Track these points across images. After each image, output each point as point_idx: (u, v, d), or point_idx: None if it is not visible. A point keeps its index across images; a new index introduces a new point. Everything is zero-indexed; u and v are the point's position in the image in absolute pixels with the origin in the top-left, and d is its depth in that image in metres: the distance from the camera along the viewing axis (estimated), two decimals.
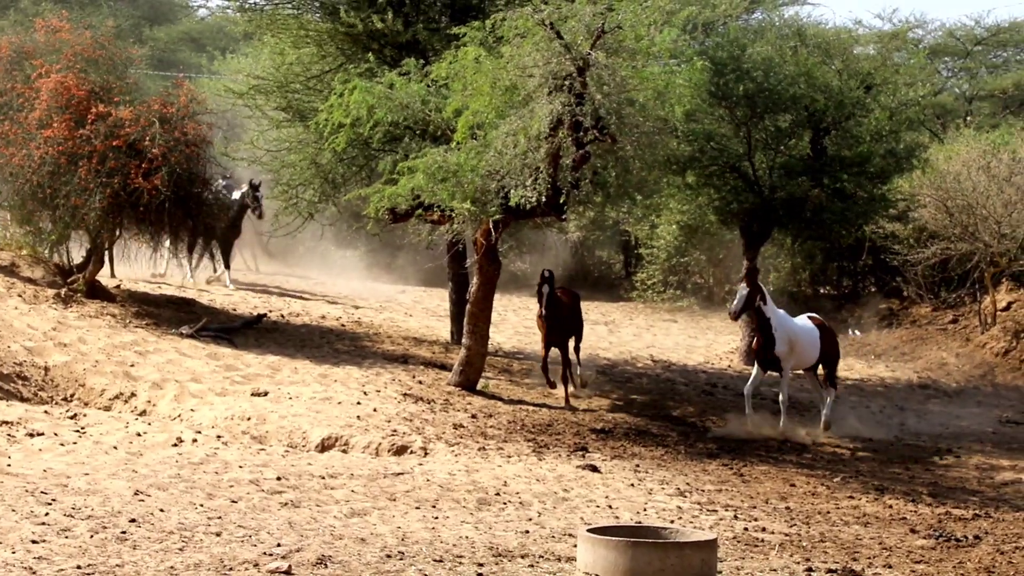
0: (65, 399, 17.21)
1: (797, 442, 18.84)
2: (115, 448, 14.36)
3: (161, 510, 11.68)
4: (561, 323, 19.79)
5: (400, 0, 21.02)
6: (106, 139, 20.33)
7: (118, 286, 23.21)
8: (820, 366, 20.16)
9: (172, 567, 9.93)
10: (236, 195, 27.79)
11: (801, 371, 20.60)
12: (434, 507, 12.89)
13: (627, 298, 35.80)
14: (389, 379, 19.22)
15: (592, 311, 30.72)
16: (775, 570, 11.25)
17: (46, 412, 15.77)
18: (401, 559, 10.66)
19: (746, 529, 12.97)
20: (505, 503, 13.36)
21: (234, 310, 23.68)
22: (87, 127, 20.45)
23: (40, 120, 20.68)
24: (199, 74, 43.21)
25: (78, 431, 15.00)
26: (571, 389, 19.81)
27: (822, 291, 35.18)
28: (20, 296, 20.56)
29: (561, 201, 17.57)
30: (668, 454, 17.03)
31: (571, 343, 20.30)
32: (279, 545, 10.82)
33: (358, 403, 17.49)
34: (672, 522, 12.82)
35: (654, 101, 18.28)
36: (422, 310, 28.44)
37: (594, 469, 15.41)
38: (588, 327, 23.64)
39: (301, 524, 11.67)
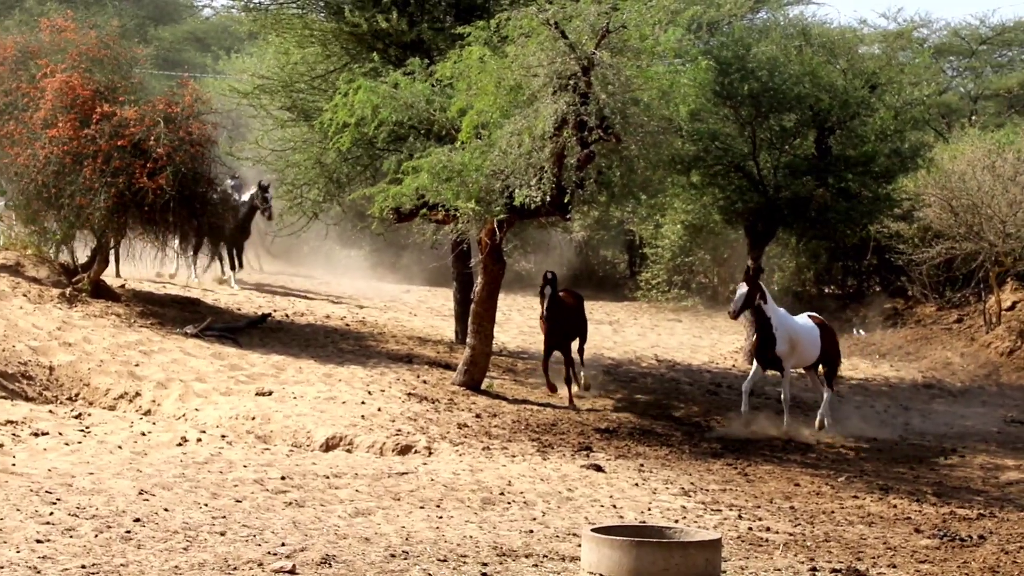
0: (70, 398, 17.23)
1: (801, 442, 18.83)
2: (119, 447, 14.37)
3: (165, 509, 11.69)
4: (564, 325, 19.76)
5: (404, 0, 21.02)
6: (111, 139, 20.34)
7: (123, 286, 23.22)
8: (821, 365, 20.13)
9: (176, 566, 9.94)
10: (246, 196, 27.83)
11: (802, 370, 20.59)
12: (438, 507, 12.89)
13: (631, 298, 35.79)
14: (393, 379, 19.22)
15: (596, 311, 30.72)
16: (779, 570, 11.24)
17: (51, 411, 15.79)
18: (405, 559, 10.66)
19: (750, 529, 12.96)
20: (509, 503, 13.36)
21: (239, 310, 23.70)
22: (92, 127, 20.45)
23: (45, 120, 20.70)
24: (204, 74, 43.24)
25: (83, 430, 15.01)
26: (575, 389, 19.80)
27: (827, 290, 35.16)
28: (25, 296, 20.58)
29: (565, 201, 17.56)
30: (672, 454, 17.02)
31: (574, 344, 20.28)
32: (283, 544, 10.82)
33: (362, 403, 17.49)
34: (676, 522, 12.81)
35: (659, 100, 18.26)
36: (426, 310, 28.45)
37: (598, 469, 15.40)
38: (592, 327, 23.63)
39: (305, 523, 11.68)
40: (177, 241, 23.11)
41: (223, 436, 15.61)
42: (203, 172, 21.40)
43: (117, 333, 19.60)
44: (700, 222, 30.39)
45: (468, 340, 19.75)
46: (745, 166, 24.89)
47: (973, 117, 40.43)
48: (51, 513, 11.15)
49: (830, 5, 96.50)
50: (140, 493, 12.21)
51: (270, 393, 17.64)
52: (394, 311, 27.29)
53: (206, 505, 12.02)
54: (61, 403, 16.88)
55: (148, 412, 16.91)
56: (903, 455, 18.42)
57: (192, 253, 27.07)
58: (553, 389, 19.55)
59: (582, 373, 20.20)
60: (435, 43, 20.56)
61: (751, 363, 19.62)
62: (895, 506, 14.81)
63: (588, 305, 22.03)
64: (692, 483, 15.21)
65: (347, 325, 23.91)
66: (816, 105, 24.51)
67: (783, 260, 33.86)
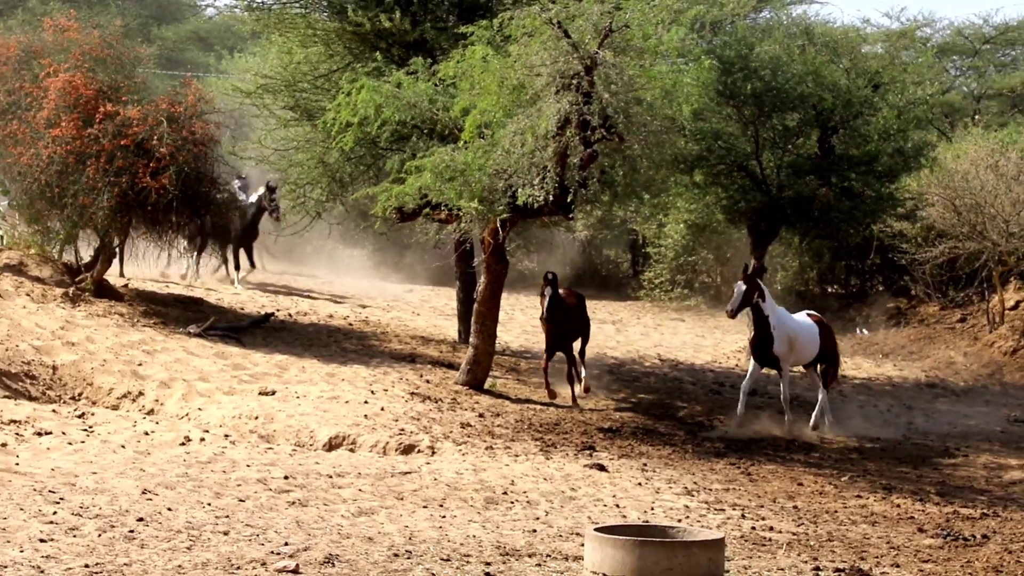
0: (73, 398, 17.24)
1: (804, 441, 18.82)
2: (123, 447, 14.38)
3: (169, 509, 11.69)
4: (565, 326, 19.71)
5: (407, 0, 21.05)
6: (114, 138, 20.35)
7: (126, 285, 23.25)
8: (821, 364, 20.09)
9: (180, 566, 9.94)
10: (253, 197, 27.87)
11: (802, 369, 20.57)
12: (441, 506, 12.89)
13: (634, 297, 35.79)
14: (396, 378, 19.23)
15: (599, 310, 30.72)
16: (782, 569, 11.24)
17: (54, 411, 15.79)
18: (408, 558, 10.66)
19: (753, 528, 12.96)
20: (512, 502, 13.36)
21: (242, 309, 23.71)
22: (95, 126, 20.47)
23: (48, 119, 20.71)
24: (207, 73, 43.27)
25: (86, 430, 15.02)
26: (577, 390, 19.78)
27: (830, 290, 35.16)
28: (28, 295, 20.60)
29: (568, 200, 17.56)
30: (675, 453, 17.02)
31: (576, 344, 20.24)
32: (287, 544, 10.82)
33: (365, 402, 17.49)
34: (679, 521, 12.81)
35: (662, 100, 18.26)
36: (429, 309, 28.45)
37: (601, 468, 15.40)
38: (595, 326, 23.61)
39: (308, 523, 11.68)
40: (185, 242, 23.16)
41: (226, 436, 15.61)
42: (206, 172, 21.42)
43: (120, 332, 19.61)
44: (703, 221, 30.44)
45: (471, 339, 19.75)
46: (748, 165, 24.89)
47: (976, 116, 40.42)
48: (54, 512, 11.16)
49: (833, 4, 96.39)
50: (143, 492, 12.21)
51: (273, 393, 17.64)
52: (397, 310, 27.29)
53: (209, 504, 12.02)
54: (64, 403, 16.89)
55: (151, 412, 16.92)
56: (906, 455, 18.41)
57: (196, 253, 27.18)
58: (553, 396, 19.39)
59: (583, 375, 20.14)
60: (438, 42, 20.57)
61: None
62: (898, 505, 14.80)
63: (591, 305, 22.02)
64: (695, 482, 15.20)
65: (350, 324, 23.91)
66: (819, 104, 24.51)
67: (786, 259, 33.86)
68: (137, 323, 20.37)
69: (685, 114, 19.50)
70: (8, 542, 10.20)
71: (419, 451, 15.80)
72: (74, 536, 10.54)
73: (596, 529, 10.74)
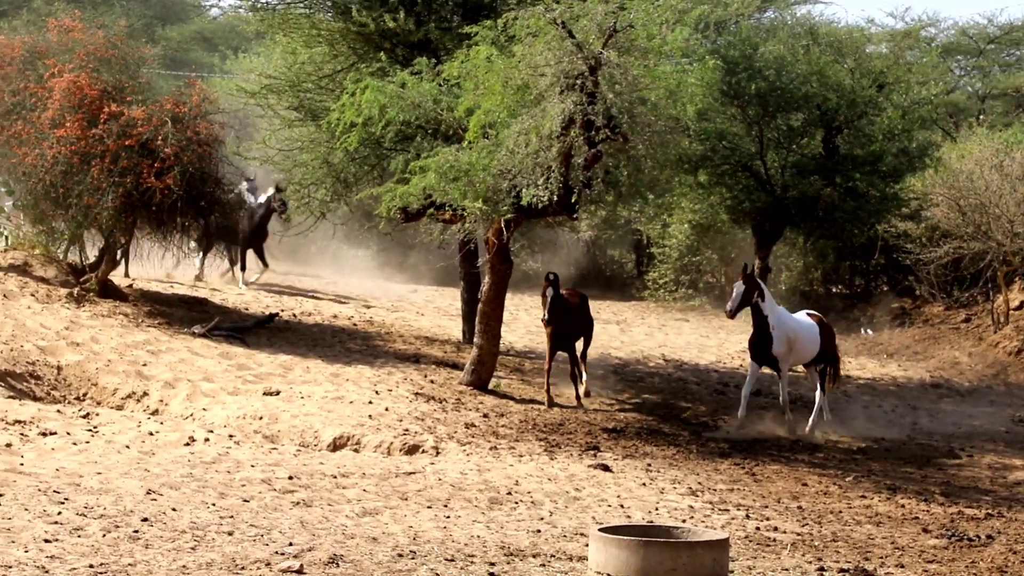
0: (78, 398, 17.26)
1: (809, 441, 18.81)
2: (127, 447, 14.38)
3: (173, 509, 11.70)
4: (567, 326, 19.66)
5: (412, 0, 21.03)
6: (118, 138, 20.37)
7: (130, 286, 23.26)
8: (821, 364, 20.02)
9: (184, 566, 9.95)
10: (262, 198, 27.91)
11: (802, 369, 20.55)
12: (446, 506, 12.89)
13: (639, 297, 35.79)
14: (401, 378, 19.23)
15: (604, 310, 30.72)
16: (787, 569, 11.23)
17: (59, 411, 15.80)
18: (413, 558, 10.66)
19: (758, 528, 12.95)
20: (517, 502, 13.36)
21: (246, 309, 23.72)
22: (100, 127, 20.49)
23: (53, 120, 20.73)
24: (211, 73, 43.29)
25: (90, 430, 15.02)
26: (581, 389, 19.75)
27: (834, 290, 35.16)
28: (33, 295, 20.62)
29: (573, 200, 17.55)
30: (680, 453, 17.01)
31: (579, 344, 20.20)
32: (291, 544, 10.83)
33: (370, 402, 17.50)
34: (684, 521, 12.81)
35: (666, 100, 18.25)
36: (434, 309, 28.45)
37: (606, 468, 15.40)
38: (599, 326, 23.61)
39: (313, 523, 11.68)
40: (193, 242, 23.18)
41: (231, 436, 15.62)
42: (211, 172, 21.44)
43: (125, 333, 19.62)
44: (707, 221, 30.45)
45: (475, 340, 19.75)
46: (752, 165, 24.90)
47: (981, 116, 40.38)
48: (59, 513, 11.17)
49: (837, 4, 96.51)
50: (148, 493, 12.22)
51: (277, 393, 17.65)
52: (402, 311, 27.30)
53: (214, 505, 12.02)
54: (69, 403, 16.90)
55: (156, 412, 16.93)
56: (911, 455, 18.39)
57: (203, 253, 27.20)
58: (552, 404, 19.25)
59: (584, 377, 20.03)
60: (442, 43, 20.57)
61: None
62: (903, 506, 14.80)
63: (595, 305, 22.00)
64: (699, 483, 15.20)
65: (354, 325, 23.92)
66: (823, 104, 24.52)
67: (791, 259, 33.86)
68: (142, 323, 20.39)
69: (689, 114, 19.50)
70: (13, 542, 10.21)
71: (423, 451, 15.80)
72: (79, 536, 10.55)
73: (600, 529, 10.73)
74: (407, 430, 16.38)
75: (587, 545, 10.86)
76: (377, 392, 18.12)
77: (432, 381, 19.37)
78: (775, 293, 29.11)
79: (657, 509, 13.61)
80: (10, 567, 9.55)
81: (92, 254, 23.03)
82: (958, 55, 43.77)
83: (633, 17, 17.20)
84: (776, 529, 13.00)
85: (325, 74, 21.99)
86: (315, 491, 13.02)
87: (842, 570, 11.34)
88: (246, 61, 39.40)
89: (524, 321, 27.72)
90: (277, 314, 22.91)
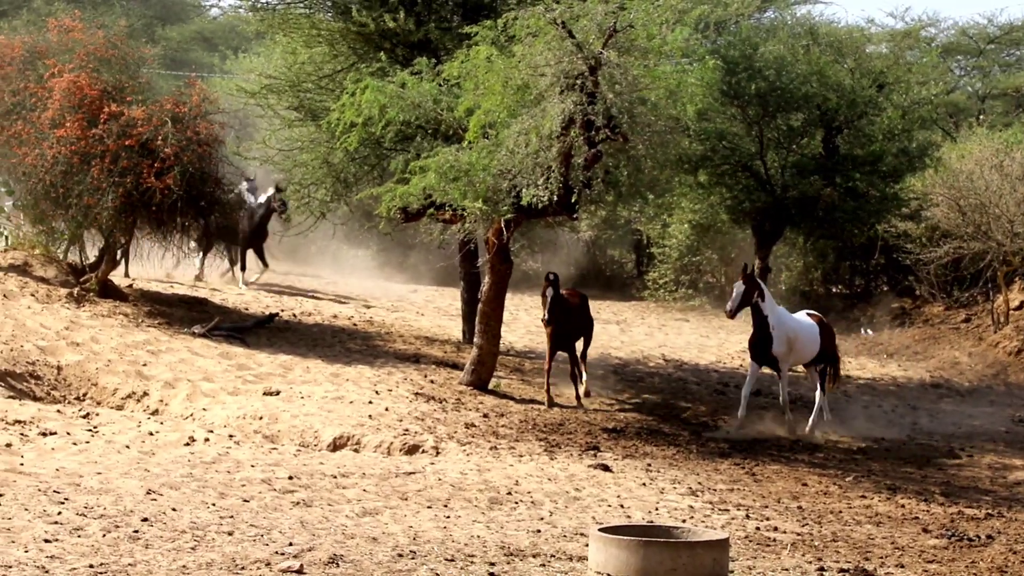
0: (78, 398, 17.26)
1: (809, 442, 18.81)
2: (127, 447, 14.38)
3: (173, 509, 11.70)
4: (567, 326, 19.65)
5: (412, 0, 21.03)
6: (118, 139, 20.37)
7: (130, 286, 23.26)
8: (821, 364, 20.02)
9: (184, 566, 9.95)
10: (263, 198, 27.92)
11: (802, 369, 20.54)
12: (446, 506, 12.89)
13: (639, 297, 35.79)
14: (401, 378, 19.23)
15: (604, 310, 30.72)
16: (787, 569, 11.23)
17: (59, 411, 15.80)
18: (413, 558, 10.66)
19: (758, 528, 12.95)
20: (517, 502, 13.36)
21: (246, 309, 23.72)
22: (100, 127, 20.49)
23: (53, 120, 20.73)
24: (211, 73, 43.29)
25: (90, 430, 15.02)
26: (581, 389, 19.74)
27: (834, 290, 35.17)
28: (33, 295, 20.62)
29: (573, 200, 17.55)
30: (680, 453, 17.02)
31: (579, 344, 20.19)
32: (291, 544, 10.83)
33: (370, 402, 17.50)
34: (684, 521, 12.81)
35: (666, 100, 18.26)
36: (434, 309, 28.45)
37: (606, 468, 15.40)
38: (600, 326, 23.60)
39: (313, 523, 11.68)
40: (194, 243, 23.18)
41: (231, 436, 15.62)
42: (210, 172, 21.44)
43: (125, 333, 19.63)
44: (707, 221, 30.45)
45: (475, 340, 19.75)
46: (752, 165, 24.90)
47: (981, 116, 40.39)
48: (59, 513, 11.17)
49: (837, 4, 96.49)
50: (148, 493, 12.22)
51: (277, 393, 17.65)
52: (402, 311, 27.30)
53: (214, 505, 12.03)
54: (69, 403, 16.90)
55: (156, 412, 16.93)
56: (911, 455, 18.40)
57: (203, 253, 27.20)
58: (551, 404, 19.23)
59: (584, 378, 20.01)
60: (442, 43, 20.57)
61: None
62: (903, 506, 14.80)
63: (595, 305, 21.99)
64: (699, 483, 15.20)
65: (354, 325, 23.92)
66: (823, 104, 24.52)
67: (791, 259, 33.87)
68: (142, 323, 20.39)
69: (689, 114, 19.50)
70: (13, 542, 10.21)
71: (423, 451, 15.80)
72: (79, 536, 10.55)
73: (600, 529, 10.73)
74: (407, 430, 16.38)
75: (587, 545, 10.86)
76: (377, 392, 18.12)
77: (432, 381, 19.38)
78: (775, 293, 29.11)
79: (657, 509, 13.61)
80: (10, 567, 9.56)
81: (92, 254, 23.02)
82: (958, 55, 43.78)
83: (633, 17, 17.20)
84: (776, 529, 13.00)
85: (325, 74, 21.99)
86: (315, 491, 13.02)
87: (842, 570, 11.34)
88: (246, 61, 39.40)
89: (524, 321, 27.72)
90: (277, 314, 22.90)
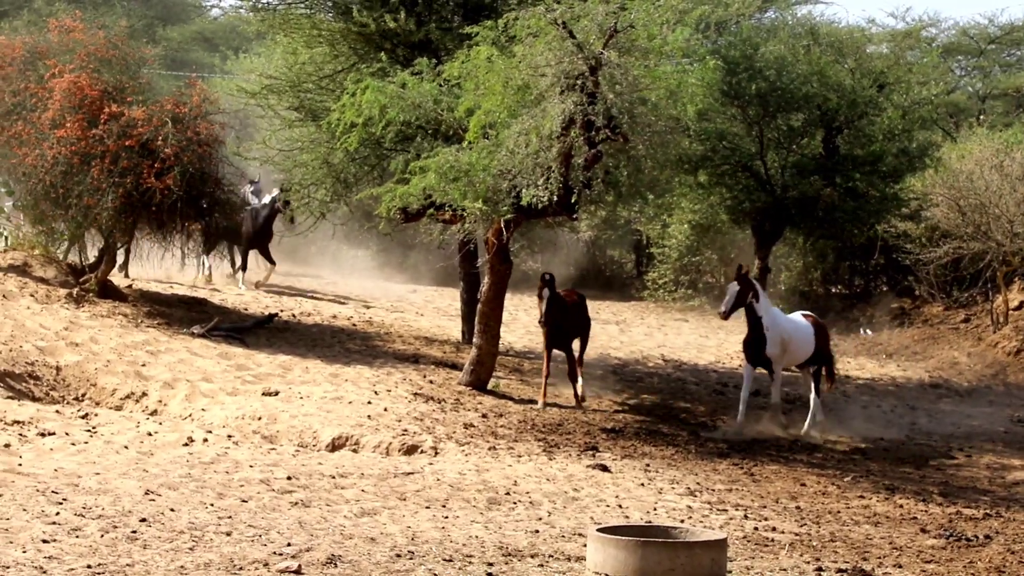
0: (76, 399, 17.26)
1: (807, 442, 18.82)
2: (126, 448, 14.39)
3: (172, 509, 11.71)
4: (563, 327, 19.62)
5: (412, 0, 21.04)
6: (119, 139, 20.38)
7: (130, 286, 23.28)
8: (816, 365, 19.99)
9: (182, 566, 9.95)
10: (266, 199, 27.92)
11: (797, 370, 20.52)
12: (444, 507, 12.90)
13: (638, 297, 35.81)
14: (400, 379, 19.24)
15: (603, 310, 30.73)
16: (785, 570, 11.24)
17: (57, 412, 15.81)
18: (411, 558, 10.67)
19: (756, 529, 12.96)
20: (515, 503, 13.36)
21: (245, 310, 23.73)
22: (100, 127, 20.50)
23: (53, 120, 20.74)
24: (212, 74, 43.31)
25: (89, 431, 15.03)
26: (578, 391, 19.71)
27: (834, 290, 35.18)
28: (32, 296, 20.63)
29: (573, 200, 17.56)
30: (678, 453, 17.02)
31: (576, 344, 20.16)
32: (289, 544, 10.83)
33: (369, 403, 17.50)
34: (682, 521, 12.81)
35: (666, 100, 18.26)
36: (433, 309, 28.47)
37: (604, 469, 15.40)
38: (599, 326, 23.62)
39: (311, 523, 11.69)
40: (200, 245, 23.22)
41: (229, 436, 15.62)
42: (211, 172, 21.45)
43: (124, 333, 19.63)
44: (707, 222, 30.45)
45: (474, 340, 19.75)
46: (752, 166, 24.90)
47: (981, 116, 40.39)
48: (57, 513, 11.17)
49: (838, 4, 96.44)
50: (146, 493, 12.22)
51: (276, 393, 17.66)
52: (401, 311, 27.31)
53: (212, 505, 12.03)
54: (68, 403, 16.91)
55: (154, 412, 16.93)
56: (909, 455, 18.40)
57: (204, 254, 27.23)
58: (545, 405, 19.12)
59: (580, 381, 19.87)
60: (443, 43, 20.58)
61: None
62: (901, 506, 14.80)
63: (595, 305, 22.01)
64: (698, 483, 15.20)
65: (354, 325, 23.93)
66: (824, 104, 24.52)
67: (790, 260, 33.88)
68: (141, 324, 20.39)
69: (690, 114, 19.51)
70: (11, 542, 10.22)
71: (422, 452, 15.81)
72: (77, 536, 10.55)
73: (599, 529, 10.74)
74: (406, 430, 16.39)
75: (585, 545, 10.87)
76: (376, 392, 18.13)
77: (431, 381, 19.38)
78: (775, 293, 29.19)
79: (655, 509, 13.62)
80: (8, 567, 9.56)
81: (92, 254, 23.03)
82: (959, 55, 43.78)
83: (634, 17, 17.19)
84: (774, 529, 13.00)
85: (325, 74, 22.01)
86: (313, 491, 13.02)
87: (840, 570, 11.34)
88: (246, 61, 39.42)
89: (523, 321, 27.73)
90: (276, 314, 22.92)
